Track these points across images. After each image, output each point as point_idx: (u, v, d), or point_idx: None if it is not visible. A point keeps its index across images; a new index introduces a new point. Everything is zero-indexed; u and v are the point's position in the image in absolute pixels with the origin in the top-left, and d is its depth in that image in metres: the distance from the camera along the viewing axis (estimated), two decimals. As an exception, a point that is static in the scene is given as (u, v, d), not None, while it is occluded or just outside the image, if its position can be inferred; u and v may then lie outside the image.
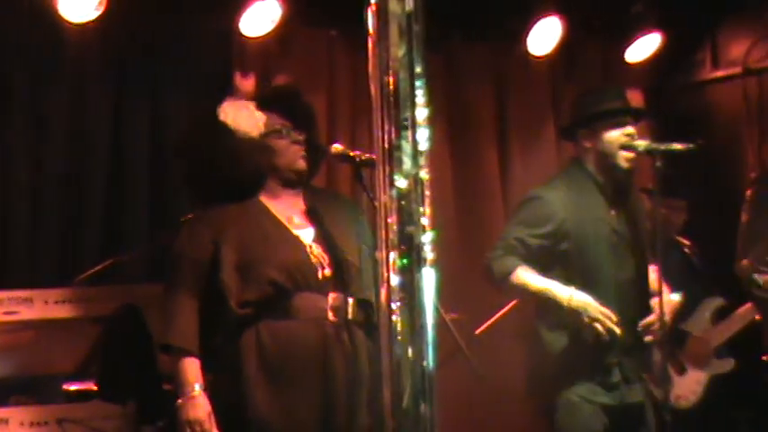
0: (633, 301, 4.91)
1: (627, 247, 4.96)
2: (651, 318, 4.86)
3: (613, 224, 4.96)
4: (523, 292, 4.92)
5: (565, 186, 5.03)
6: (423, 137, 2.25)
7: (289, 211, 4.23)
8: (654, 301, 4.88)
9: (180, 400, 4.02)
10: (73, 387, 4.97)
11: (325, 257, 4.16)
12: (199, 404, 4.00)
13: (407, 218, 2.23)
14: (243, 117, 4.22)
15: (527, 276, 4.84)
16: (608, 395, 4.87)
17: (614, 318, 4.70)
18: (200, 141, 4.20)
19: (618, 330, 4.69)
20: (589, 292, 4.82)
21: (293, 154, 4.24)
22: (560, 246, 4.90)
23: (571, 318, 4.74)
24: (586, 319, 4.71)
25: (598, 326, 4.69)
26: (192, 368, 4.04)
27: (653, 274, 5.01)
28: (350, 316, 4.13)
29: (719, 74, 7.56)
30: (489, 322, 6.06)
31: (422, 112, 2.26)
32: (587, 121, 5.02)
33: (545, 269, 4.89)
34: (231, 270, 4.05)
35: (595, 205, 4.97)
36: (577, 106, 5.17)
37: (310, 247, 4.16)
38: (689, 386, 6.31)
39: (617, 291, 4.89)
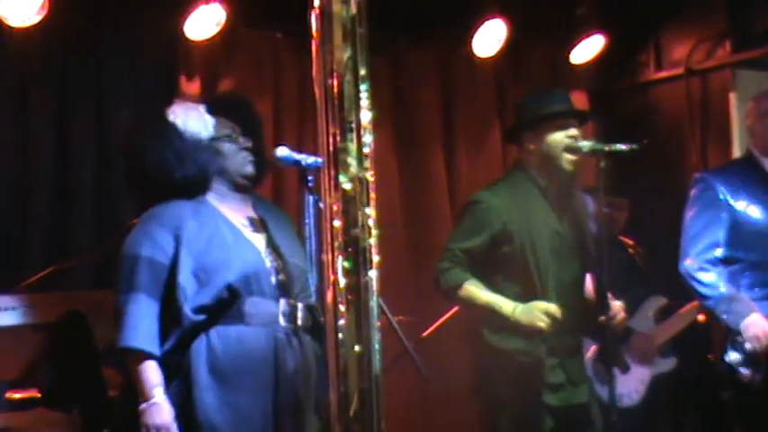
0: (577, 303, 4.94)
1: (570, 250, 4.98)
2: (612, 313, 4.90)
3: (556, 226, 4.99)
4: (471, 305, 4.94)
5: (507, 189, 5.06)
6: (368, 139, 2.26)
7: (239, 216, 4.22)
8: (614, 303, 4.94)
9: (143, 405, 3.98)
10: (17, 395, 4.92)
11: (278, 263, 4.15)
12: (163, 409, 3.96)
13: (353, 220, 2.23)
14: (192, 118, 4.20)
15: (474, 291, 4.88)
16: (553, 396, 4.89)
17: (557, 311, 4.73)
18: (147, 141, 4.15)
19: (557, 320, 4.73)
20: (532, 295, 4.86)
21: (242, 159, 4.23)
22: (503, 248, 4.93)
23: (517, 327, 4.78)
24: (530, 324, 4.75)
25: (541, 324, 4.72)
26: (153, 372, 3.99)
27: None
28: (300, 321, 4.13)
29: (663, 75, 7.61)
30: (436, 325, 6.07)
31: (366, 115, 2.26)
32: (531, 124, 5.05)
33: (490, 272, 4.93)
34: (188, 274, 4.03)
35: (538, 208, 4.99)
36: (521, 109, 5.19)
37: (264, 252, 4.15)
38: (633, 384, 6.35)
39: (560, 293, 4.92)
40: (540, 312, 4.75)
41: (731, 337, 5.12)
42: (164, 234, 4.06)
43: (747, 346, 5.02)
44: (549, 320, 4.73)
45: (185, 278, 4.01)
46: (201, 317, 4.00)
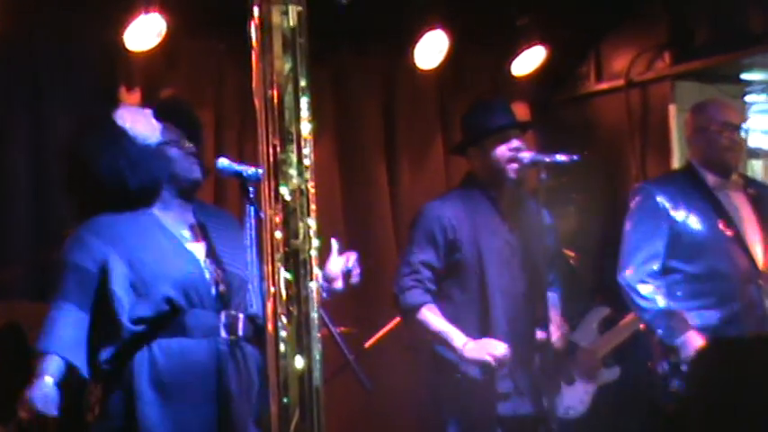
0: (526, 313, 4.97)
1: (520, 260, 5.02)
2: (552, 329, 4.96)
3: (507, 237, 5.04)
4: (424, 330, 5.03)
5: (458, 199, 5.13)
6: (308, 150, 2.25)
7: (180, 224, 4.19)
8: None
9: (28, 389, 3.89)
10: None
11: (218, 274, 4.13)
12: (44, 387, 3.87)
13: (293, 232, 2.22)
14: (141, 123, 4.16)
15: (429, 317, 4.98)
16: (501, 406, 4.93)
17: (504, 350, 4.82)
18: (98, 147, 4.08)
19: (506, 359, 4.83)
20: (482, 304, 4.90)
21: (189, 164, 4.20)
22: (454, 257, 4.97)
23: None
24: (479, 360, 4.85)
25: (490, 363, 4.83)
26: (54, 365, 3.92)
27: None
28: (241, 332, 4.11)
29: (603, 86, 7.65)
30: (378, 335, 6.06)
31: (307, 126, 2.26)
32: (474, 139, 5.11)
33: (445, 280, 4.99)
34: (125, 284, 3.99)
35: (488, 219, 5.04)
36: (465, 124, 5.25)
37: (204, 262, 4.12)
38: (578, 396, 6.37)
39: (510, 303, 4.96)
40: (489, 351, 4.82)
41: (666, 349, 5.16)
42: (95, 241, 4.01)
43: (682, 358, 5.06)
44: (497, 360, 4.81)
45: (121, 288, 3.97)
46: (141, 328, 3.97)
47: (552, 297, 5.25)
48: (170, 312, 3.98)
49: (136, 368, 3.97)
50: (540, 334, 4.98)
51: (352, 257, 4.26)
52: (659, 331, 5.18)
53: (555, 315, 5.21)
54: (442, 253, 5.01)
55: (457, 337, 4.90)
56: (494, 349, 4.83)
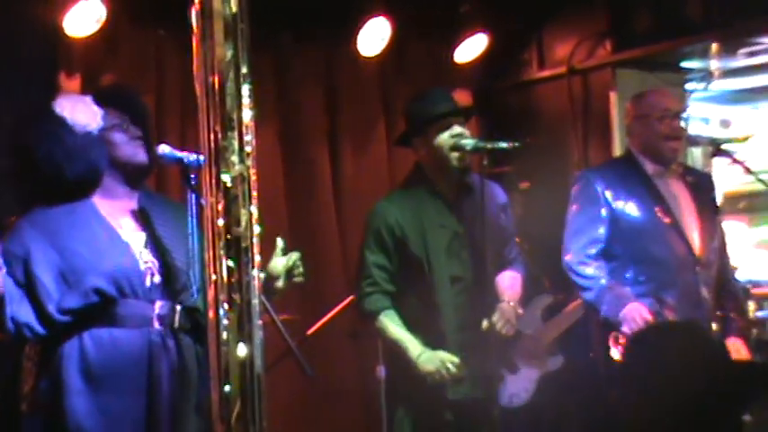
0: (475, 303, 4.99)
1: (469, 250, 5.04)
2: (494, 318, 5.00)
3: (455, 227, 5.06)
4: (383, 336, 5.11)
5: (404, 196, 5.17)
6: (249, 137, 2.25)
7: (121, 213, 4.15)
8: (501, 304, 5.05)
9: None
10: None
11: (155, 263, 4.10)
12: None
13: (235, 219, 2.22)
14: (80, 111, 4.12)
15: (387, 325, 5.04)
16: (453, 390, 4.97)
17: (457, 362, 4.90)
18: (35, 137, 4.04)
19: (458, 372, 4.92)
20: (431, 298, 4.94)
21: (133, 148, 4.16)
22: (403, 255, 5.01)
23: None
24: (432, 371, 4.92)
25: (443, 375, 4.91)
26: None
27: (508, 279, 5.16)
28: (176, 324, 4.08)
29: (545, 74, 7.68)
30: (321, 322, 6.06)
31: (248, 113, 2.25)
32: (416, 129, 5.13)
33: (397, 277, 5.05)
34: (53, 272, 3.95)
35: (435, 212, 5.06)
36: (407, 115, 5.27)
37: (140, 253, 4.09)
38: (522, 385, 6.40)
39: (460, 294, 5.00)
40: (442, 362, 4.91)
41: (612, 333, 5.20)
42: (28, 230, 3.98)
43: (625, 329, 5.10)
44: (450, 371, 4.90)
45: (48, 277, 3.93)
46: (68, 318, 3.93)
47: (512, 276, 5.28)
48: (99, 303, 3.95)
49: (65, 359, 3.93)
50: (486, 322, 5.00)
51: (294, 256, 4.26)
52: (603, 308, 5.22)
53: (514, 293, 5.24)
54: (392, 253, 5.05)
55: (412, 347, 4.97)
56: (447, 361, 4.90)
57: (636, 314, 5.08)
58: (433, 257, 5.01)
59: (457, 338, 4.99)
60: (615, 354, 5.15)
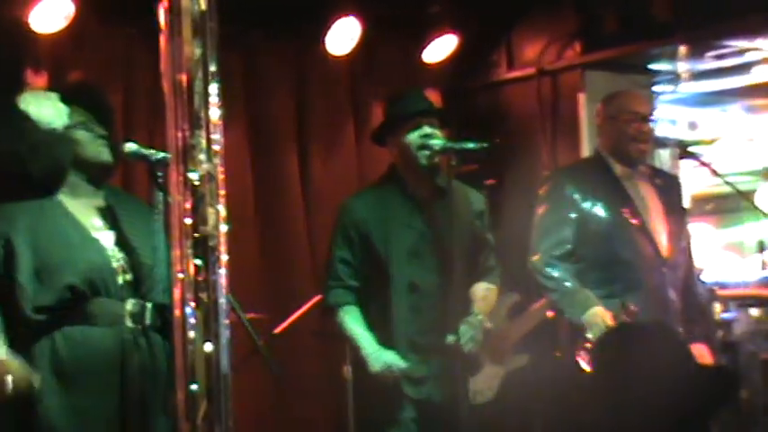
0: (439, 304, 4.99)
1: (435, 252, 5.04)
2: (460, 333, 5.02)
3: (422, 229, 5.06)
4: (341, 331, 5.11)
5: (373, 193, 5.20)
6: (217, 136, 2.24)
7: (88, 211, 4.14)
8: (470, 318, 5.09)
9: None
10: None
11: (125, 262, 4.09)
12: None
13: (202, 217, 2.21)
14: (46, 108, 4.10)
15: (345, 320, 5.06)
16: (413, 389, 4.97)
17: (401, 366, 4.93)
18: None
19: (401, 374, 4.96)
20: (388, 297, 4.98)
21: (98, 147, 4.15)
22: (367, 251, 5.02)
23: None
24: (377, 373, 4.94)
25: (387, 378, 4.95)
26: None
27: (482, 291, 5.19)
28: (147, 321, 4.08)
29: (514, 75, 7.68)
30: (288, 321, 6.05)
31: (216, 111, 2.24)
32: (387, 127, 5.15)
33: (361, 273, 5.07)
34: (29, 272, 3.94)
35: (402, 211, 5.08)
36: (384, 113, 5.32)
37: (112, 251, 4.08)
38: (486, 382, 6.40)
39: (423, 295, 5.00)
40: (386, 365, 4.93)
41: (578, 335, 5.22)
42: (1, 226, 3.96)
43: (589, 335, 5.12)
44: (393, 374, 4.93)
45: (25, 277, 3.92)
46: (42, 317, 3.92)
47: (486, 287, 5.30)
48: (73, 301, 3.94)
49: (38, 358, 3.93)
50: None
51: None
52: (568, 310, 5.24)
53: (486, 306, 5.27)
54: (357, 248, 5.05)
55: (366, 345, 4.98)
56: (392, 364, 4.92)
57: (599, 320, 5.09)
58: (394, 257, 5.02)
59: (418, 341, 5.00)
60: (583, 364, 5.16)
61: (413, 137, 5.04)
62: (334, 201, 5.98)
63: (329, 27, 6.73)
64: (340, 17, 6.69)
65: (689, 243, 5.53)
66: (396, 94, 5.39)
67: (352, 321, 5.03)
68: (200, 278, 2.21)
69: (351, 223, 5.07)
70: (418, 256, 5.05)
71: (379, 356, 4.95)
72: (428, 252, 5.06)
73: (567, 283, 5.23)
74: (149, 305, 4.08)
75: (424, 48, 7.21)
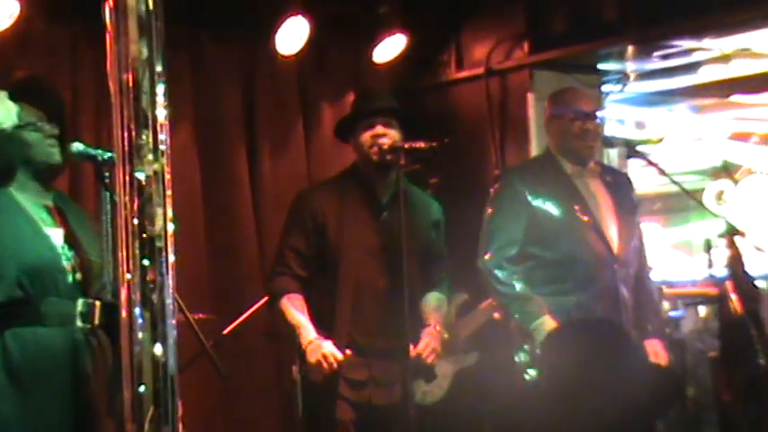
0: (390, 305, 4.98)
1: (390, 251, 5.04)
2: (421, 347, 5.05)
3: (377, 227, 5.06)
4: (281, 319, 5.07)
5: (332, 186, 5.20)
6: (164, 136, 2.23)
7: (38, 208, 4.10)
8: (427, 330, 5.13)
9: None
10: None
11: (75, 260, 4.06)
12: None
13: (149, 217, 2.20)
14: None
15: (287, 308, 5.00)
16: (353, 392, 4.97)
17: (339, 359, 4.89)
18: None
19: (338, 365, 4.91)
20: (334, 292, 4.97)
21: (48, 147, 4.11)
22: (320, 242, 5.01)
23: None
24: (312, 363, 4.91)
25: (323, 368, 4.90)
26: None
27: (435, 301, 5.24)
28: (97, 321, 4.05)
29: (463, 74, 7.69)
30: (237, 322, 6.03)
31: (163, 111, 2.23)
32: (344, 124, 5.19)
33: (311, 265, 5.05)
34: None
35: (359, 207, 5.08)
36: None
37: (61, 248, 4.05)
38: (436, 381, 6.41)
39: (371, 294, 5.00)
40: (322, 356, 4.89)
41: (522, 337, 5.23)
42: None
43: (536, 343, 5.13)
44: (329, 366, 4.88)
45: None
46: None
47: (439, 298, 5.30)
48: (23, 300, 3.90)
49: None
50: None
51: None
52: (516, 316, 5.25)
53: (440, 316, 5.28)
54: (311, 238, 5.04)
55: (305, 334, 4.95)
56: (329, 355, 4.88)
57: (546, 330, 5.10)
58: (347, 253, 5.01)
59: (359, 342, 4.99)
60: (531, 372, 5.18)
61: (366, 135, 5.06)
62: (283, 201, 5.97)
63: (278, 26, 6.71)
64: (289, 16, 6.67)
65: (641, 241, 5.55)
66: (361, 92, 5.41)
67: (294, 309, 4.99)
68: (147, 279, 2.19)
69: (308, 213, 5.06)
70: (371, 256, 5.05)
71: (316, 347, 4.91)
72: (382, 253, 5.06)
73: (518, 287, 5.23)
74: (98, 304, 4.05)
75: (373, 47, 7.21)
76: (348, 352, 4.93)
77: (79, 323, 4.00)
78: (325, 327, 4.99)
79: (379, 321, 5.00)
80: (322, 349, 4.89)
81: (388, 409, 5.00)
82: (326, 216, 5.03)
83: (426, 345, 5.09)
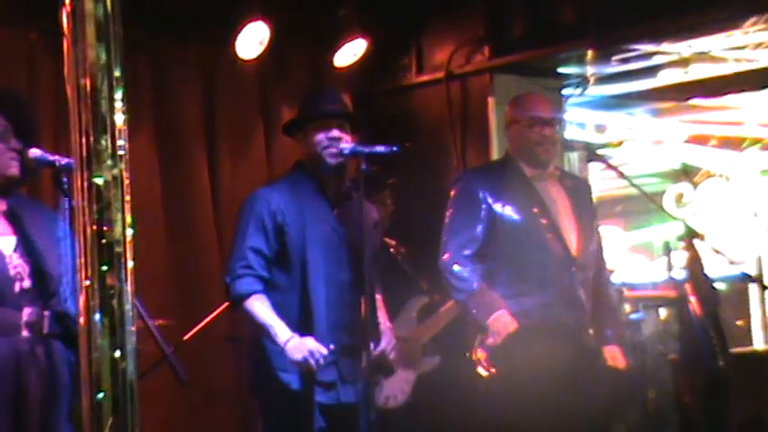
0: (352, 301, 4.98)
1: (347, 248, 5.04)
2: (383, 344, 5.07)
3: (334, 225, 5.06)
4: (250, 321, 4.97)
5: (287, 185, 5.15)
6: (123, 141, 2.22)
7: (-9, 217, 4.07)
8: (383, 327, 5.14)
9: None
10: None
11: (25, 268, 4.02)
12: None
13: (107, 223, 2.19)
14: None
15: (257, 307, 4.91)
16: (324, 394, 4.94)
17: (325, 353, 4.81)
18: None
19: (325, 359, 4.83)
20: (304, 291, 4.95)
21: (8, 160, 4.08)
22: (281, 242, 4.98)
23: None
24: (299, 360, 4.82)
25: (311, 364, 4.80)
26: None
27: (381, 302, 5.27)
28: (45, 330, 4.01)
29: (424, 78, 7.71)
30: (197, 327, 6.00)
31: (121, 116, 2.22)
32: (298, 123, 5.15)
33: (273, 265, 4.99)
34: None
35: (316, 204, 5.06)
36: (298, 106, 5.30)
37: (10, 257, 4.01)
38: (398, 386, 6.41)
39: (335, 291, 4.98)
40: (309, 351, 4.81)
41: (479, 335, 5.25)
42: None
43: (489, 340, 5.15)
44: (316, 360, 4.80)
45: None
46: None
47: (381, 298, 5.32)
48: None
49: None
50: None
51: None
52: (473, 311, 5.27)
53: (387, 316, 5.30)
54: (272, 238, 4.99)
55: (281, 332, 4.85)
56: (315, 349, 4.82)
57: (500, 324, 5.12)
58: (311, 250, 4.98)
59: (329, 338, 4.96)
60: (481, 371, 5.19)
61: (321, 137, 5.04)
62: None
63: (238, 31, 6.69)
64: (249, 21, 6.66)
65: (599, 244, 5.58)
66: (311, 90, 5.37)
67: (265, 309, 4.90)
68: (106, 285, 2.18)
69: (267, 213, 5.00)
70: (333, 252, 5.04)
71: (299, 344, 4.82)
72: (341, 248, 5.05)
73: (475, 284, 5.26)
74: (47, 313, 4.01)
75: (334, 52, 7.20)
76: (332, 347, 4.86)
77: (25, 333, 3.96)
78: (297, 327, 4.93)
79: (345, 318, 4.98)
80: (308, 345, 4.83)
81: (355, 407, 4.98)
82: (286, 215, 5.00)
83: (389, 340, 5.09)
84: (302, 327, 4.93)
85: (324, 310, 4.97)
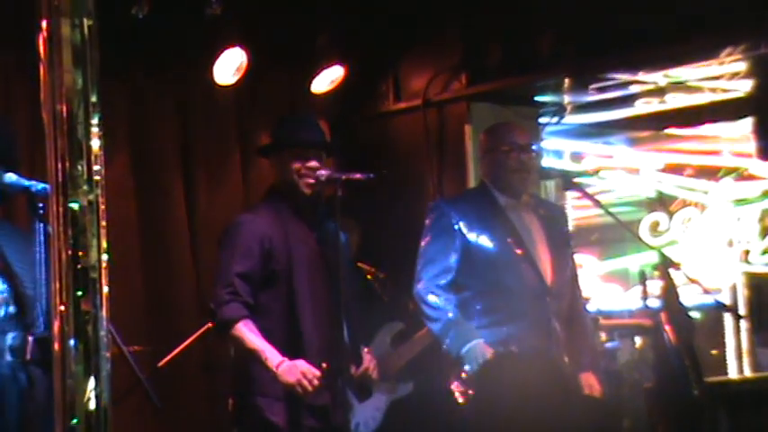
0: (333, 323, 4.97)
1: (329, 269, 5.05)
2: (366, 362, 5.08)
3: (314, 247, 5.07)
4: (239, 346, 4.96)
5: (269, 210, 5.16)
6: (98, 167, 2.21)
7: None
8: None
9: None
10: None
11: (8, 293, 4.01)
12: None
13: (82, 249, 2.18)
14: None
15: (245, 333, 4.88)
16: (314, 418, 4.93)
17: (318, 375, 4.80)
18: None
19: (319, 381, 4.82)
20: (292, 313, 4.97)
21: None
22: (269, 266, 4.97)
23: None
24: (293, 383, 4.80)
25: (305, 386, 4.79)
26: None
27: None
28: (29, 356, 3.99)
29: (401, 106, 7.73)
30: (173, 354, 5.98)
31: (97, 142, 2.21)
32: (274, 149, 5.17)
33: (261, 290, 4.98)
34: None
35: (297, 227, 5.08)
36: (273, 132, 5.31)
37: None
38: (370, 412, 6.40)
39: (321, 313, 4.99)
40: (302, 374, 4.79)
41: (453, 365, 5.24)
42: None
43: (467, 368, 5.14)
44: (310, 383, 4.79)
45: None
46: None
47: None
48: None
49: None
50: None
51: None
52: (447, 341, 5.25)
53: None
54: (259, 264, 4.98)
55: (272, 356, 4.83)
56: (308, 373, 4.81)
57: (478, 354, 5.12)
58: (297, 272, 4.98)
59: (319, 360, 4.94)
60: (458, 397, 5.19)
61: (297, 165, 5.04)
62: (219, 231, 5.92)
63: (215, 57, 6.70)
64: (227, 48, 6.66)
65: (574, 273, 5.59)
66: (291, 116, 5.38)
67: (253, 334, 4.88)
68: (81, 310, 2.17)
69: (254, 238, 4.99)
70: (317, 274, 5.04)
71: (291, 367, 4.82)
72: (323, 270, 5.06)
73: (450, 314, 5.25)
74: (30, 338, 4.00)
75: (311, 78, 7.22)
76: (324, 365, 4.84)
77: (8, 357, 3.95)
78: (285, 351, 4.91)
79: (329, 339, 4.97)
80: (299, 368, 4.82)
81: (342, 429, 4.98)
82: (273, 240, 4.99)
83: (370, 360, 5.08)
84: (290, 350, 4.91)
85: (313, 333, 4.97)
